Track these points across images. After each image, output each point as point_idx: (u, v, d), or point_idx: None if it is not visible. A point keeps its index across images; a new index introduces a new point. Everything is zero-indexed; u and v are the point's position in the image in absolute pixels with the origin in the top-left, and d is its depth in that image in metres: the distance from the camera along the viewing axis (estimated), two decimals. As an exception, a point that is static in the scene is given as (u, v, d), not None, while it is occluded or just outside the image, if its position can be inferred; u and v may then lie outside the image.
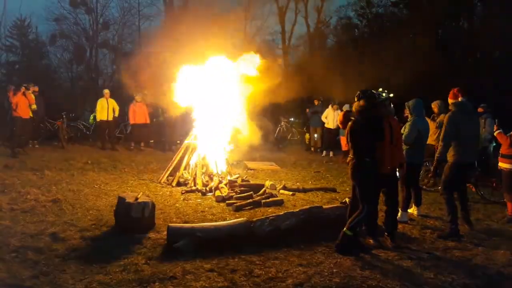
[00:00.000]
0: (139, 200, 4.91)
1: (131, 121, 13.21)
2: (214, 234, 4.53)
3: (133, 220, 4.79)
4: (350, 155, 4.48)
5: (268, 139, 15.15)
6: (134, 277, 3.58)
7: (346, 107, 11.69)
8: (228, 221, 4.94)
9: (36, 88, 11.39)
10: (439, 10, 20.13)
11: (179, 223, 5.21)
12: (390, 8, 23.74)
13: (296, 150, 14.59)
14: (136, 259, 4.02)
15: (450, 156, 5.34)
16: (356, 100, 4.64)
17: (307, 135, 14.69)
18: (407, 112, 5.97)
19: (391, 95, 5.85)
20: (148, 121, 13.37)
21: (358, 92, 4.67)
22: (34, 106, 10.67)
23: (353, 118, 4.54)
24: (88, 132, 14.60)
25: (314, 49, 25.34)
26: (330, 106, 12.87)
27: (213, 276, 3.69)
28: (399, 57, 19.44)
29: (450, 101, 5.57)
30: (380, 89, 5.46)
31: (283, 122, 15.64)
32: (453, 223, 5.17)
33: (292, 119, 16.00)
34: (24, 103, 10.23)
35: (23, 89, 10.10)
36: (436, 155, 5.41)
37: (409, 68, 15.64)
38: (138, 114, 13.06)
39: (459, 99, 5.49)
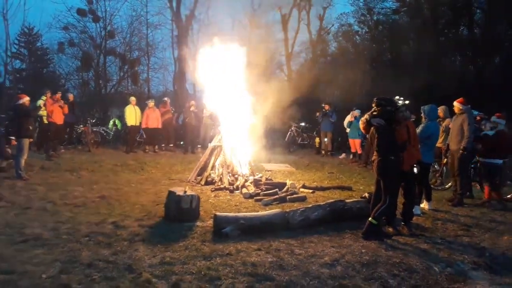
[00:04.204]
0: (188, 193, 5.60)
1: (143, 125, 13.92)
2: (255, 221, 5.21)
3: (182, 210, 5.48)
4: (375, 155, 5.18)
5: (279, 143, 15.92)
6: (197, 253, 4.27)
7: (357, 113, 12.42)
8: (266, 211, 5.63)
9: (71, 97, 12.16)
10: (440, 17, 20.95)
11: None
12: (391, 16, 24.51)
13: (306, 153, 15.29)
14: (192, 241, 4.70)
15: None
16: (374, 106, 5.34)
17: (317, 139, 15.35)
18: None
19: (407, 102, 6.58)
20: (160, 126, 14.08)
21: (376, 99, 5.38)
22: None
23: (374, 124, 5.23)
24: (108, 137, 15.33)
25: (316, 56, 26.18)
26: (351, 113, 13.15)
27: (261, 253, 4.36)
28: (403, 64, 20.26)
29: (460, 106, 6.42)
30: (397, 97, 6.16)
31: (293, 127, 16.33)
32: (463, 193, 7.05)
33: (302, 124, 16.66)
34: (59, 111, 10.99)
35: (58, 96, 10.86)
36: (464, 145, 6.78)
37: (413, 75, 16.41)
38: (150, 119, 13.81)
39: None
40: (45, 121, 11.16)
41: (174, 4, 23.79)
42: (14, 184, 7.77)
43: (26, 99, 8.61)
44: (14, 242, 4.51)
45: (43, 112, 10.91)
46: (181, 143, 14.31)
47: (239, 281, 3.63)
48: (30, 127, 8.48)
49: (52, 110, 10.82)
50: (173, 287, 3.45)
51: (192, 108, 14.41)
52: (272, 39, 25.00)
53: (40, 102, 10.69)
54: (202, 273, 3.75)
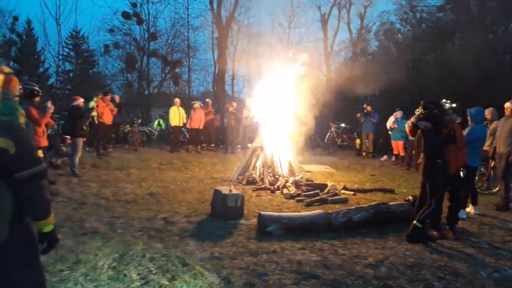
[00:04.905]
0: (233, 192, 5.82)
1: (187, 125, 14.49)
2: (298, 221, 5.35)
3: (228, 208, 5.71)
4: (421, 158, 5.18)
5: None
6: (244, 250, 4.47)
7: (400, 114, 12.24)
8: (309, 212, 5.76)
9: (118, 99, 12.83)
10: (488, 13, 20.08)
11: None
12: (435, 14, 23.76)
13: (346, 155, 15.21)
14: (238, 238, 4.91)
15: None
16: (421, 109, 5.33)
17: (358, 140, 15.24)
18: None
19: (454, 105, 6.48)
20: (201, 127, 14.55)
21: (423, 102, 5.36)
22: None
23: (421, 126, 5.22)
24: (152, 137, 15.96)
25: (356, 55, 25.86)
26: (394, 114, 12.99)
27: (306, 252, 4.49)
28: (447, 63, 19.60)
29: None
30: (444, 100, 6.09)
31: (333, 128, 16.28)
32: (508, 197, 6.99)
33: (342, 124, 16.58)
34: (108, 112, 11.63)
35: (108, 98, 11.51)
36: None
37: (459, 75, 15.85)
38: (193, 120, 14.30)
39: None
40: (96, 122, 11.79)
41: (215, 6, 24.32)
42: (69, 180, 8.31)
43: (80, 101, 9.19)
44: (75, 235, 4.88)
45: (94, 113, 11.55)
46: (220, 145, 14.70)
47: (285, 277, 3.78)
48: (84, 127, 9.03)
49: (102, 111, 11.44)
50: (224, 280, 3.65)
51: (231, 109, 14.79)
52: (311, 38, 25.04)
53: (93, 104, 11.34)
54: (250, 268, 3.94)
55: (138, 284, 3.52)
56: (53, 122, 9.26)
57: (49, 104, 8.08)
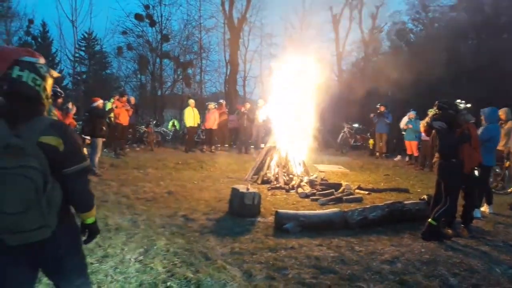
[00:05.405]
0: (250, 191, 5.98)
1: (203, 126, 14.75)
2: (315, 219, 5.48)
3: (245, 206, 5.87)
4: (436, 157, 5.27)
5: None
6: (263, 246, 4.62)
7: (413, 114, 12.27)
8: (325, 210, 5.89)
9: (133, 100, 13.12)
10: (503, 13, 19.89)
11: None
12: (448, 14, 23.61)
13: (360, 155, 15.27)
14: (257, 235, 5.06)
15: None
16: (436, 109, 5.42)
17: (371, 141, 15.27)
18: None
19: (469, 105, 6.55)
20: (216, 127, 14.77)
21: (437, 102, 5.46)
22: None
23: (435, 126, 5.31)
24: (167, 137, 16.23)
25: (368, 55, 25.85)
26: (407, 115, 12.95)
27: (323, 249, 4.63)
28: (461, 63, 19.47)
29: None
30: (458, 100, 6.17)
31: (346, 128, 16.34)
32: None
33: (355, 124, 16.64)
34: (125, 113, 11.90)
35: (124, 99, 11.80)
36: None
37: (472, 75, 15.76)
38: (208, 120, 14.53)
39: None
40: (113, 122, 12.07)
41: (227, 8, 24.55)
42: (89, 179, 8.53)
43: (100, 102, 9.45)
44: (101, 231, 5.07)
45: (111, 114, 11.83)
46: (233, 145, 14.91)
47: (304, 272, 3.93)
48: (104, 128, 9.28)
49: (119, 112, 11.70)
50: (245, 273, 3.81)
51: (243, 110, 15.00)
52: (323, 38, 25.12)
53: (110, 105, 11.62)
54: (270, 263, 4.09)
55: (164, 276, 3.70)
56: (75, 123, 9.53)
57: (70, 105, 8.36)
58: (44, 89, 2.15)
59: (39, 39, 26.04)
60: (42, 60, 2.20)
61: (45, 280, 3.14)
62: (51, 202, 2.02)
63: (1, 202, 1.90)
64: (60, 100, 7.28)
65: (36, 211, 1.94)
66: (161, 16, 25.13)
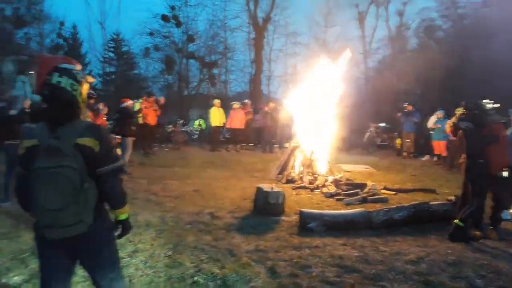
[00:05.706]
0: (274, 190, 6.07)
1: (227, 125, 14.92)
2: (339, 219, 5.51)
3: (269, 205, 5.97)
4: (463, 157, 5.21)
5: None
6: (287, 244, 4.71)
7: (441, 114, 12.04)
8: (351, 210, 5.91)
9: (162, 100, 13.47)
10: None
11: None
12: (480, 10, 22.91)
13: (386, 154, 15.07)
14: (281, 233, 5.15)
15: None
16: (463, 109, 5.35)
17: (398, 140, 15.05)
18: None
19: (497, 105, 6.41)
20: (242, 127, 14.93)
21: (464, 102, 5.39)
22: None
23: (462, 126, 5.25)
24: (193, 136, 16.53)
25: (395, 53, 25.39)
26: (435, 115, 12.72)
27: (347, 248, 4.67)
28: (492, 61, 18.86)
29: None
30: (486, 100, 6.06)
31: (372, 127, 16.17)
32: None
33: (382, 124, 16.44)
34: (152, 113, 12.23)
35: (152, 100, 12.13)
36: None
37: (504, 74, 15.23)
38: (234, 120, 14.72)
39: None
40: (141, 122, 12.40)
41: (252, 7, 24.70)
42: (122, 178, 8.84)
43: (129, 102, 9.76)
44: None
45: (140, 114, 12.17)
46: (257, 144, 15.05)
47: (328, 270, 3.98)
48: (133, 127, 9.58)
49: (147, 112, 12.02)
50: (269, 270, 3.91)
51: (266, 109, 15.09)
52: (348, 36, 24.88)
53: (138, 105, 11.95)
54: (294, 260, 4.17)
55: (192, 271, 3.84)
56: (106, 123, 9.88)
57: (101, 106, 8.67)
58: (81, 93, 2.32)
59: (70, 41, 26.93)
60: (78, 67, 2.37)
61: (80, 272, 3.33)
62: (87, 200, 2.17)
63: (43, 199, 2.07)
64: (92, 101, 7.58)
65: (73, 207, 2.10)
66: (187, 17, 25.56)
